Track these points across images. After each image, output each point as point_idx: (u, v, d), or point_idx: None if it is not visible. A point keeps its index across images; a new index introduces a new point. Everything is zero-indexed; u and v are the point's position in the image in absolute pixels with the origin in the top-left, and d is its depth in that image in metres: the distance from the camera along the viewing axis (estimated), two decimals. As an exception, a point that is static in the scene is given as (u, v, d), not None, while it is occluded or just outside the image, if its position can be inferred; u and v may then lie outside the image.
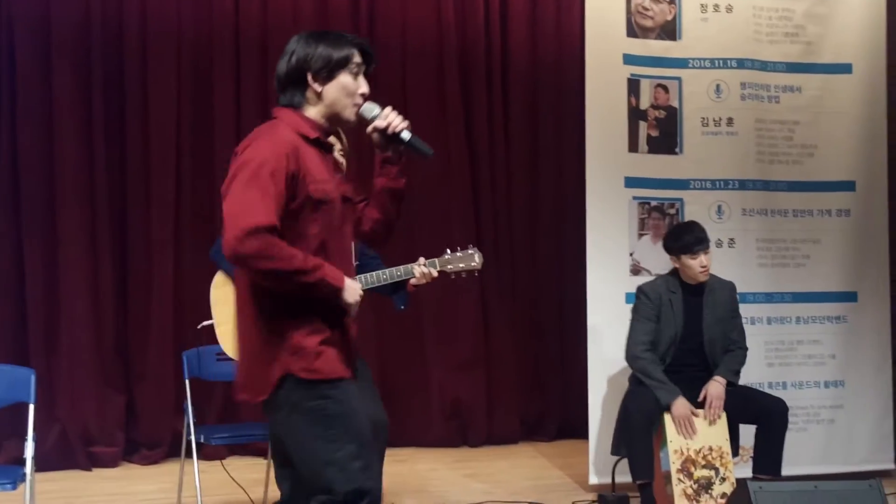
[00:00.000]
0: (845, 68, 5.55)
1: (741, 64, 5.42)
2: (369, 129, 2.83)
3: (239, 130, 6.08)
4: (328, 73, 2.71)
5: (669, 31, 5.40)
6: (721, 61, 5.41)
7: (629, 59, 5.33)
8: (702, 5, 5.41)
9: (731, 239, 5.37)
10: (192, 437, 4.47)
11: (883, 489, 3.40)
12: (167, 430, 5.83)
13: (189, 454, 4.49)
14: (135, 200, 5.96)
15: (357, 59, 2.76)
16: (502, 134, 6.57)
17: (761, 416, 4.63)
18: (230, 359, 4.13)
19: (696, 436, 4.52)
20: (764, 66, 5.46)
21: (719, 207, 5.39)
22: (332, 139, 2.97)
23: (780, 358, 5.43)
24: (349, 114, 2.76)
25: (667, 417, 4.54)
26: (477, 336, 6.44)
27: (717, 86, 5.41)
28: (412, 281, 3.83)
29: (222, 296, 3.92)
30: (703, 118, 5.40)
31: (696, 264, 4.63)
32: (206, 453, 5.54)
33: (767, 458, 4.58)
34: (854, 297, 5.52)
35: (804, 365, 5.46)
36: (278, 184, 2.58)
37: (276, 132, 2.68)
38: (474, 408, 6.41)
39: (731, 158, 5.41)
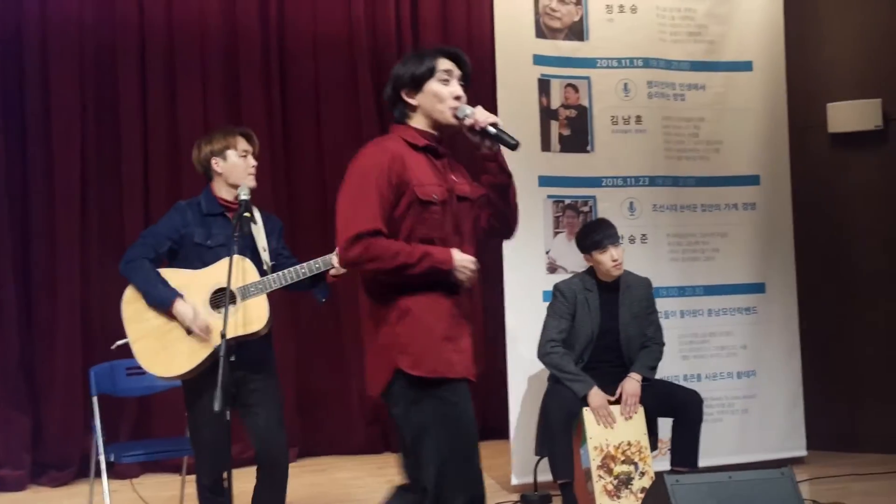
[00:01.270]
0: (746, 66, 5.69)
1: (647, 63, 5.51)
2: (464, 129, 2.95)
3: (146, 134, 5.96)
4: (415, 84, 2.93)
5: (577, 31, 5.46)
6: (628, 60, 5.49)
7: (539, 60, 5.37)
8: (607, 6, 5.49)
9: (644, 235, 5.45)
10: (102, 457, 4.35)
11: (794, 476, 3.49)
12: (76, 449, 5.65)
13: (99, 474, 4.38)
14: (38, 209, 5.77)
15: (444, 66, 2.94)
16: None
17: (677, 409, 4.69)
18: (142, 373, 4.04)
19: (615, 431, 4.56)
20: (669, 64, 5.57)
21: (631, 204, 5.46)
22: None
23: (693, 350, 5.53)
24: (446, 117, 2.92)
25: (586, 414, 4.57)
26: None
27: (625, 85, 5.48)
28: (332, 271, 3.80)
29: (135, 312, 3.79)
30: (613, 116, 5.47)
31: (607, 259, 4.67)
32: (119, 472, 5.40)
33: (684, 451, 4.64)
34: (762, 289, 5.66)
35: (717, 356, 5.57)
36: (381, 189, 2.80)
37: (381, 143, 2.93)
38: (396, 412, 6.36)
39: (641, 155, 5.49)
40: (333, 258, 3.76)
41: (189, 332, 3.71)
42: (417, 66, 2.94)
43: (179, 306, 3.71)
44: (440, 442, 2.77)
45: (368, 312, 2.91)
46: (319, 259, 3.80)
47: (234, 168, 3.89)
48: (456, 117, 2.92)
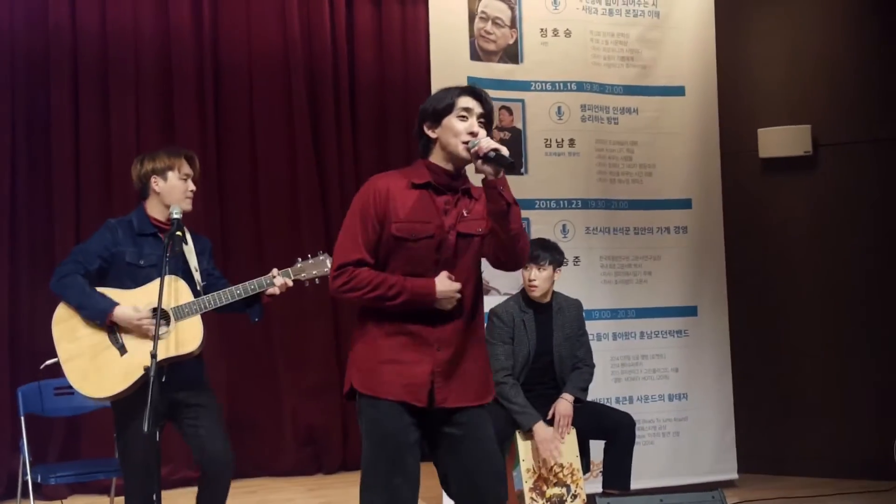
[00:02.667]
0: (679, 91, 5.76)
1: (581, 86, 5.55)
2: (474, 162, 3.01)
3: (78, 147, 5.87)
4: (436, 119, 3.06)
5: (512, 54, 5.49)
6: (562, 84, 5.53)
7: (473, 82, 5.33)
8: (542, 30, 5.53)
9: (576, 257, 5.48)
10: (29, 478, 4.32)
11: (725, 499, 3.51)
12: (2, 470, 5.53)
13: (25, 495, 4.33)
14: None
15: (464, 103, 3.05)
16: (351, 153, 6.60)
17: (609, 431, 4.69)
18: (70, 393, 3.97)
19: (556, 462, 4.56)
20: (602, 88, 5.62)
21: (564, 226, 5.49)
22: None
23: (626, 373, 5.55)
24: (460, 151, 3.02)
25: (518, 436, 4.55)
26: (329, 360, 6.37)
27: (559, 108, 5.52)
28: (268, 292, 3.84)
29: (66, 331, 3.74)
30: (546, 139, 5.50)
31: (525, 276, 4.70)
32: (46, 493, 5.30)
33: (616, 473, 4.65)
34: (694, 312, 5.71)
35: (649, 379, 5.60)
36: (365, 222, 3.01)
37: (376, 179, 3.09)
38: (328, 433, 6.33)
39: (574, 178, 5.53)
40: (275, 280, 3.80)
41: (123, 351, 3.66)
42: (439, 101, 3.08)
43: (120, 311, 3.67)
44: (365, 451, 3.02)
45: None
46: (255, 280, 3.81)
47: (173, 190, 3.86)
48: (467, 150, 3.01)
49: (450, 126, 3.03)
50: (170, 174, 3.86)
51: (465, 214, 3.08)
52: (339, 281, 3.00)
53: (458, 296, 3.02)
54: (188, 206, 3.88)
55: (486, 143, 2.97)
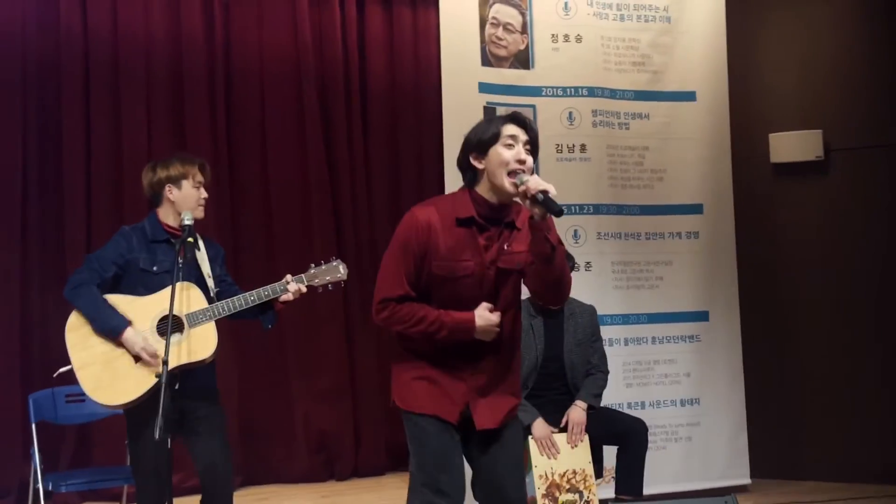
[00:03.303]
0: (690, 96, 5.76)
1: (592, 92, 5.55)
2: (519, 196, 3.00)
3: (89, 153, 5.88)
4: (482, 149, 3.05)
5: (523, 60, 5.49)
6: (573, 89, 5.53)
7: (484, 88, 5.40)
8: (553, 35, 5.53)
9: (588, 262, 5.47)
10: (40, 485, 4.31)
11: (738, 504, 3.50)
12: (14, 477, 5.51)
13: (37, 503, 4.32)
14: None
15: (509, 131, 3.03)
16: (363, 158, 6.58)
17: (622, 437, 4.69)
18: (82, 400, 3.97)
19: (560, 459, 4.54)
20: (613, 94, 5.62)
21: (575, 232, 5.48)
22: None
23: (637, 378, 5.54)
24: (506, 185, 2.99)
25: (531, 443, 4.55)
26: (341, 366, 6.37)
27: (570, 113, 5.52)
28: (282, 298, 3.84)
29: (79, 338, 3.73)
30: (558, 145, 5.50)
31: None
32: (58, 500, 5.31)
33: (629, 479, 4.63)
34: (706, 317, 5.70)
35: (661, 384, 5.59)
36: (408, 258, 3.04)
37: (419, 211, 3.10)
38: (340, 440, 6.32)
39: (586, 183, 5.53)
40: (288, 286, 3.79)
41: (137, 359, 3.66)
42: (485, 131, 3.06)
43: (129, 335, 3.66)
44: (412, 457, 3.17)
45: None
46: (268, 287, 3.81)
47: (187, 198, 3.86)
48: (514, 184, 2.98)
49: (496, 155, 3.01)
50: (184, 182, 3.86)
51: (507, 248, 3.08)
52: (383, 315, 3.11)
53: (497, 329, 3.07)
54: (201, 213, 3.89)
55: (535, 183, 2.92)
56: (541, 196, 2.89)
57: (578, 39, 5.56)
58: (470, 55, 5.38)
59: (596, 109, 5.55)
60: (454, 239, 3.03)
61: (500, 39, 5.45)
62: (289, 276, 3.85)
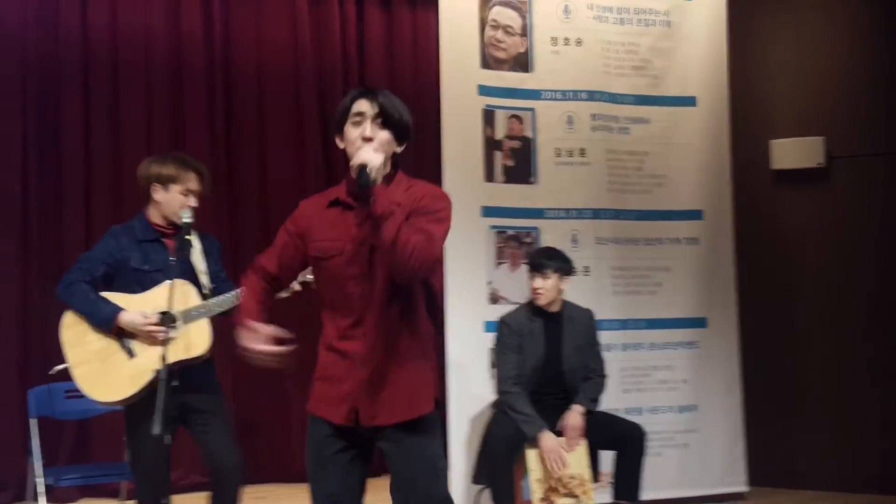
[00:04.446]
0: (690, 101, 5.75)
1: (592, 96, 5.54)
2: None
3: (88, 152, 5.88)
4: (338, 129, 2.93)
5: (522, 63, 5.48)
6: (572, 93, 5.52)
7: (484, 90, 5.39)
8: (553, 38, 5.52)
9: (586, 267, 5.45)
10: (39, 480, 4.35)
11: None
12: (14, 472, 5.50)
13: (36, 497, 4.36)
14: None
15: (357, 108, 2.88)
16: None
17: (620, 442, 4.68)
18: (81, 396, 3.98)
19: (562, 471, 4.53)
20: (613, 98, 5.60)
21: (574, 236, 5.46)
22: None
23: (635, 384, 5.52)
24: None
25: (528, 448, 4.53)
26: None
27: (570, 117, 5.51)
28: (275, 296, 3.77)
29: (74, 336, 3.76)
30: (557, 149, 5.49)
31: (530, 285, 4.69)
32: (57, 495, 5.26)
33: (626, 484, 4.63)
34: (704, 323, 5.67)
35: (658, 390, 5.56)
36: (282, 238, 3.03)
37: (307, 199, 3.05)
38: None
39: (585, 188, 5.51)
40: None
41: (131, 355, 3.67)
42: (338, 109, 2.95)
43: (125, 317, 3.68)
44: None
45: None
46: None
47: (170, 203, 3.85)
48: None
49: (348, 134, 2.89)
50: (172, 186, 3.84)
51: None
52: (245, 274, 3.11)
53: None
54: (187, 218, 3.78)
55: (356, 158, 2.79)
56: (358, 168, 2.76)
57: (578, 43, 5.55)
58: (469, 57, 5.37)
59: (595, 114, 5.53)
60: (326, 221, 2.93)
61: (500, 42, 5.44)
62: None
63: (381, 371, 2.87)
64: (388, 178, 2.89)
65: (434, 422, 2.95)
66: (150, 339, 3.68)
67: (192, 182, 3.88)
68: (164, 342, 3.46)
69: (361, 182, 2.74)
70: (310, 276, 3.84)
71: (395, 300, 2.87)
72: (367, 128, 2.85)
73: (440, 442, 2.98)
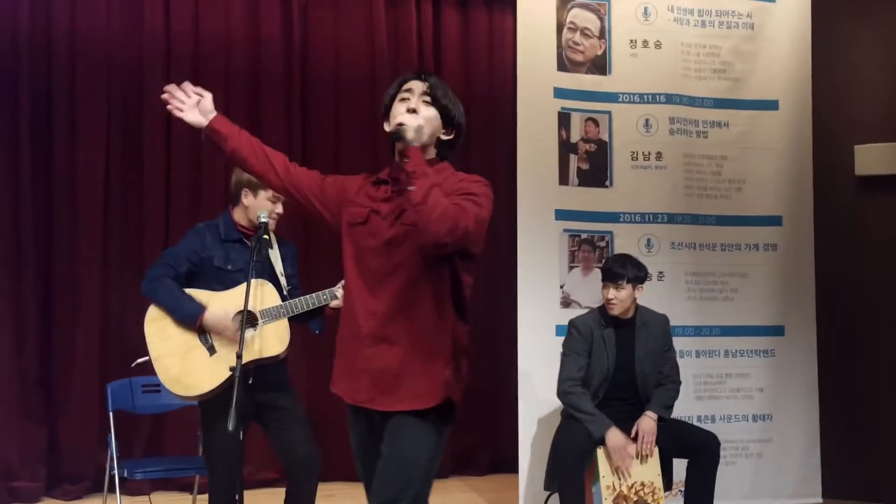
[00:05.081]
0: (772, 104, 5.63)
1: (670, 99, 5.47)
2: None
3: (169, 151, 5.99)
4: (385, 112, 2.94)
5: (600, 65, 5.44)
6: (650, 96, 5.46)
7: (560, 93, 5.36)
8: (631, 41, 5.46)
9: (661, 272, 5.39)
10: (116, 472, 4.38)
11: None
12: (91, 463, 5.64)
13: (112, 489, 4.39)
14: (61, 226, 5.79)
15: (407, 86, 2.89)
16: (435, 163, 6.56)
17: (693, 450, 4.60)
18: (157, 391, 4.06)
19: (629, 471, 4.49)
20: (692, 101, 5.52)
21: (648, 240, 5.41)
22: None
23: (708, 391, 5.44)
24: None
25: (599, 452, 4.49)
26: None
27: (647, 120, 5.45)
28: (333, 304, 3.83)
29: (158, 330, 3.82)
30: (633, 152, 5.43)
31: (604, 294, 4.65)
32: (131, 488, 5.41)
33: (699, 494, 4.56)
34: (781, 331, 5.57)
35: (732, 398, 5.48)
36: (334, 178, 3.05)
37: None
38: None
39: (660, 192, 5.45)
40: (338, 291, 3.79)
41: (212, 352, 3.74)
42: (388, 93, 2.97)
43: (209, 316, 3.74)
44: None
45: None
46: (326, 291, 3.85)
47: (258, 208, 3.90)
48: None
49: (393, 112, 2.87)
50: (261, 192, 3.89)
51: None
52: None
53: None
54: (271, 225, 3.90)
55: (397, 118, 2.79)
56: (395, 128, 2.76)
57: (658, 45, 5.49)
58: (546, 60, 5.34)
59: (673, 117, 5.46)
60: (363, 192, 2.92)
61: (578, 44, 5.40)
62: (343, 282, 3.84)
63: (390, 354, 2.78)
64: (430, 164, 2.82)
65: (434, 423, 2.80)
66: (233, 335, 3.73)
67: None
68: (240, 340, 3.51)
69: (395, 136, 2.74)
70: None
71: (417, 283, 2.78)
72: (414, 101, 2.85)
73: (433, 445, 2.81)
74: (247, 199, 3.92)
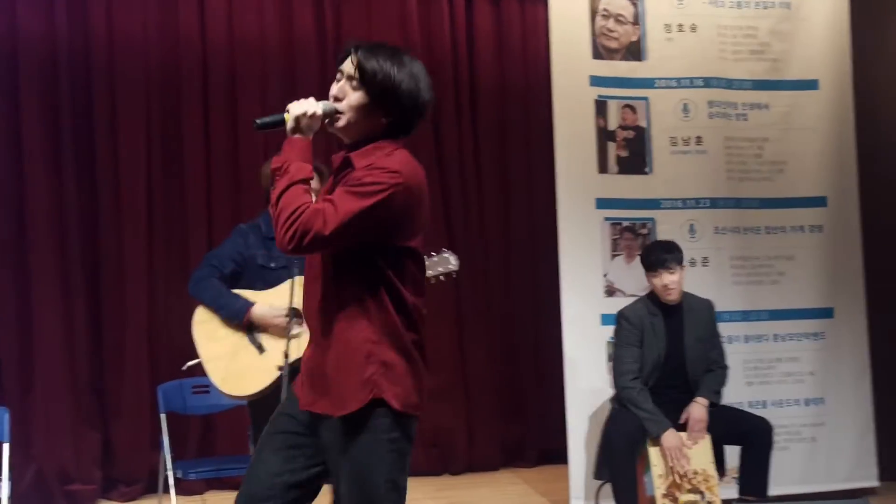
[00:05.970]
0: (812, 84, 5.56)
1: (707, 83, 5.42)
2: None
3: (209, 155, 6.03)
4: None
5: (635, 51, 5.40)
6: (688, 80, 5.41)
7: (596, 81, 5.33)
8: (666, 25, 5.42)
9: (705, 258, 5.34)
10: (169, 473, 4.42)
11: (870, 506, 3.36)
12: (144, 465, 5.67)
13: (166, 490, 4.44)
14: (107, 232, 5.85)
15: (341, 66, 2.64)
16: (472, 156, 6.56)
17: (746, 436, 4.57)
18: (207, 391, 4.07)
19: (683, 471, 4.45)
20: (730, 83, 5.46)
21: (691, 226, 5.36)
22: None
23: (759, 377, 5.38)
24: None
25: (650, 442, 4.46)
26: (454, 362, 6.37)
27: (685, 105, 5.40)
28: None
29: (207, 332, 3.84)
30: (672, 137, 5.39)
31: (657, 283, 4.60)
32: (184, 488, 5.42)
33: (753, 479, 4.52)
34: (830, 314, 5.49)
35: (783, 383, 5.41)
36: None
37: None
38: (454, 435, 6.33)
39: (702, 177, 5.40)
40: None
41: (261, 351, 3.75)
42: None
43: (256, 310, 3.76)
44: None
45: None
46: None
47: None
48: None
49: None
50: None
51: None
52: None
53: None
54: None
55: (292, 103, 2.60)
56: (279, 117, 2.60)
57: (693, 29, 5.44)
58: (580, 48, 5.31)
59: (712, 100, 5.41)
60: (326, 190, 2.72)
61: (612, 31, 5.36)
62: None
63: (322, 354, 2.61)
64: (355, 146, 2.62)
65: (379, 427, 2.54)
66: (279, 332, 3.74)
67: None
68: (290, 338, 3.52)
69: (256, 124, 2.58)
70: (439, 269, 3.86)
71: (339, 282, 2.59)
72: (335, 86, 2.61)
73: (385, 453, 2.55)
74: None
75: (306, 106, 2.57)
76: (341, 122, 2.60)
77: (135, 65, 5.89)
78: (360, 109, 2.59)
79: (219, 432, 5.83)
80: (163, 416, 4.55)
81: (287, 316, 3.72)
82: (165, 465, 4.43)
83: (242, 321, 3.78)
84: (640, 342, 4.61)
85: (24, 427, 5.45)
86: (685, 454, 4.43)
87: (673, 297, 4.59)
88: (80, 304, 5.75)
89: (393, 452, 2.54)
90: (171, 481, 4.41)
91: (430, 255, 3.89)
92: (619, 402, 4.63)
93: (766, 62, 5.52)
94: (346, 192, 2.49)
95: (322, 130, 2.66)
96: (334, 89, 2.61)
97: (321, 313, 2.61)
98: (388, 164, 2.54)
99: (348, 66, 2.59)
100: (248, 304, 3.78)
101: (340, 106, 2.59)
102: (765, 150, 5.50)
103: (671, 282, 4.56)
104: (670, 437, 4.44)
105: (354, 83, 2.58)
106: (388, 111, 2.60)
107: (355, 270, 2.57)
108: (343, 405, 2.54)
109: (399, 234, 2.59)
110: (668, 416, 4.48)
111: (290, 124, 2.57)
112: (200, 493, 5.48)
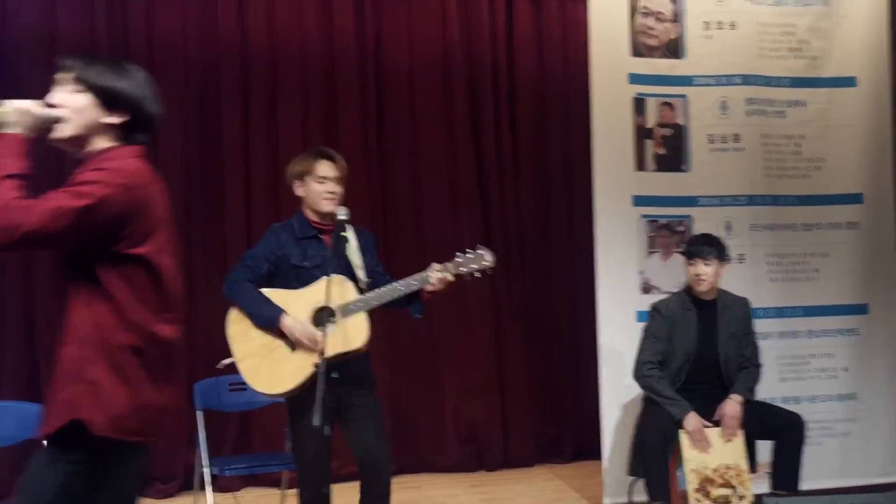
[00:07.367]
0: (850, 82, 5.56)
1: (746, 80, 5.43)
2: None
3: (248, 154, 6.08)
4: None
5: (674, 49, 5.42)
6: (726, 78, 5.43)
7: (634, 79, 5.35)
8: (705, 23, 5.43)
9: (741, 255, 5.37)
10: (206, 470, 4.43)
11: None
12: (181, 462, 5.71)
13: (202, 487, 4.46)
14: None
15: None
16: (511, 153, 6.57)
17: (779, 431, 4.61)
18: (243, 389, 4.13)
19: (713, 454, 4.50)
20: (769, 81, 5.47)
21: (728, 223, 5.39)
22: None
23: (793, 372, 5.42)
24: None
25: (682, 436, 4.52)
26: (490, 358, 6.40)
27: (723, 102, 5.42)
28: (428, 288, 3.86)
29: (240, 331, 3.89)
30: (710, 135, 5.41)
31: (691, 272, 4.65)
32: (221, 485, 5.48)
33: (786, 474, 4.57)
34: (865, 310, 5.52)
35: (817, 379, 5.45)
36: None
37: None
38: (490, 431, 6.36)
39: (739, 174, 5.42)
40: (430, 276, 3.84)
41: (294, 348, 3.80)
42: None
43: (286, 321, 3.80)
44: None
45: None
46: (416, 276, 3.86)
47: (311, 194, 3.97)
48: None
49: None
50: (307, 178, 3.95)
51: None
52: None
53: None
54: (328, 207, 3.92)
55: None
56: None
57: (732, 26, 5.45)
58: (620, 46, 5.33)
59: (750, 98, 5.43)
60: None
61: (651, 29, 5.38)
62: (435, 265, 3.88)
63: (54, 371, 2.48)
64: (88, 152, 2.54)
65: (54, 458, 2.41)
66: (307, 347, 3.78)
67: (324, 168, 3.97)
68: (323, 336, 3.58)
69: None
70: (475, 266, 3.91)
71: (65, 291, 2.48)
72: (54, 95, 2.53)
73: (52, 480, 2.40)
74: (299, 190, 3.97)
75: (22, 103, 2.48)
76: (67, 129, 2.52)
77: (174, 66, 5.93)
78: (83, 112, 2.53)
79: (255, 429, 5.87)
80: (199, 414, 4.55)
81: (314, 330, 3.77)
82: (202, 462, 4.44)
83: (274, 329, 3.82)
84: (669, 335, 4.66)
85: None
86: (706, 436, 4.48)
87: (703, 287, 4.64)
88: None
89: (70, 475, 2.40)
90: (207, 478, 4.41)
91: (465, 252, 3.93)
92: (649, 397, 4.68)
93: (804, 60, 5.52)
94: (62, 191, 2.37)
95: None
96: (51, 99, 2.51)
97: (62, 328, 2.49)
98: (112, 166, 2.47)
99: (63, 76, 2.54)
100: (279, 314, 3.80)
101: (63, 112, 2.51)
102: (802, 148, 5.51)
103: (704, 272, 4.61)
104: (692, 419, 4.50)
105: (78, 87, 2.53)
106: (115, 110, 2.58)
107: (74, 277, 2.45)
108: (43, 427, 2.44)
109: (118, 239, 2.44)
110: (700, 412, 4.53)
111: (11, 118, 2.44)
112: (237, 489, 5.52)
